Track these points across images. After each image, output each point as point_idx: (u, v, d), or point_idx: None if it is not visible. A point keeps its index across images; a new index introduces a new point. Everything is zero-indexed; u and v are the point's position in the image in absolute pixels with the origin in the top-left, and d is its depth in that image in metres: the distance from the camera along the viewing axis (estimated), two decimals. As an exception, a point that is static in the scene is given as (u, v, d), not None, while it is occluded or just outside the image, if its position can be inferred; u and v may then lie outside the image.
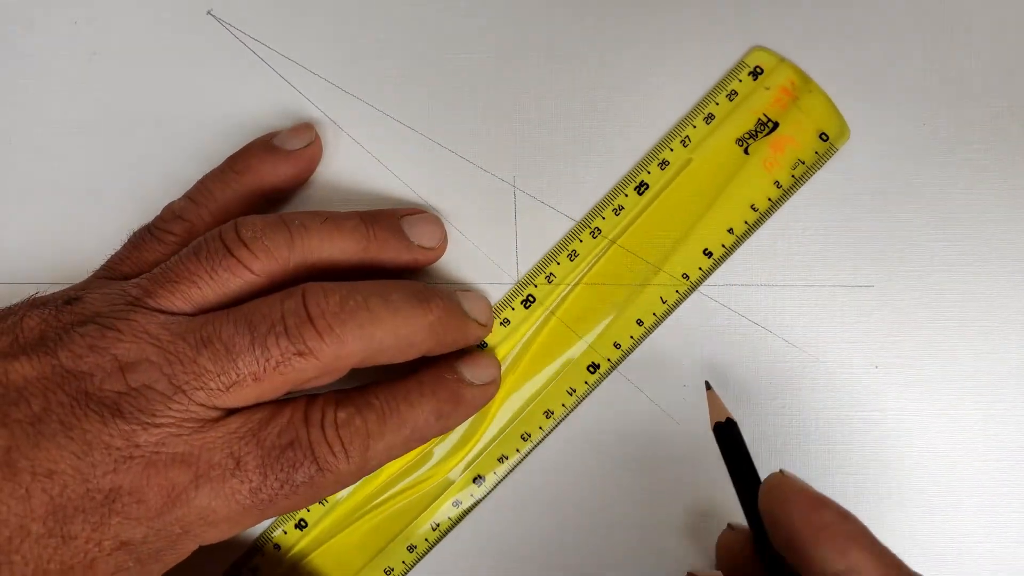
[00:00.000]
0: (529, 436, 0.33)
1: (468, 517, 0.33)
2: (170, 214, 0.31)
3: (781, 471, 0.26)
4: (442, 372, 0.31)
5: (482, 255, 0.34)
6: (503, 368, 0.33)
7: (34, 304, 0.27)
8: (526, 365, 0.33)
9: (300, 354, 0.27)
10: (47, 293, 0.29)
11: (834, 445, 0.33)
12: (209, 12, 0.34)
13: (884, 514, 0.33)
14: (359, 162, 0.34)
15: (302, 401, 0.28)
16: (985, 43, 0.34)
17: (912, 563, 0.32)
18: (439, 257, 0.33)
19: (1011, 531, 0.33)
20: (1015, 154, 0.33)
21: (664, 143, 0.34)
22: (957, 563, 0.33)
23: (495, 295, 0.34)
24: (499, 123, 0.34)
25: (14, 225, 0.34)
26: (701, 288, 0.34)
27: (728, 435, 0.29)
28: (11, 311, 0.27)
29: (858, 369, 0.33)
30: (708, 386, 0.31)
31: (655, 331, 0.33)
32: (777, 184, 0.33)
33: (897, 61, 0.34)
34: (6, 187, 0.34)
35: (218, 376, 0.26)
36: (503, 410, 0.33)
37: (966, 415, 0.33)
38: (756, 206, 0.33)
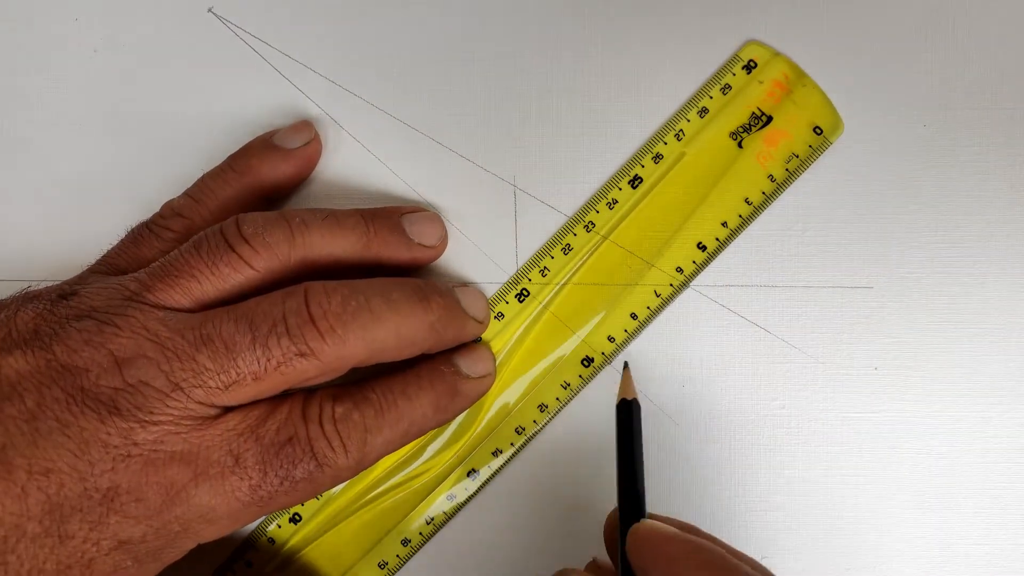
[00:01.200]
0: (523, 430, 0.33)
1: (462, 511, 0.33)
2: (169, 211, 0.31)
3: (644, 519, 0.26)
4: (439, 365, 0.31)
5: (482, 254, 0.34)
6: (497, 362, 0.33)
7: (28, 298, 0.27)
8: (520, 359, 0.33)
9: (302, 354, 0.26)
10: (40, 287, 0.28)
11: (833, 446, 0.33)
12: (210, 10, 0.34)
13: (882, 515, 0.33)
14: (360, 160, 0.34)
15: (299, 397, 0.28)
16: (988, 44, 0.34)
17: (910, 565, 0.32)
18: (439, 255, 0.33)
19: (1009, 533, 0.33)
20: (1016, 156, 0.33)
21: (658, 136, 0.34)
22: (955, 565, 0.33)
23: (495, 294, 0.34)
24: (499, 123, 0.34)
25: (14, 221, 0.34)
26: (701, 289, 0.34)
27: (626, 415, 0.29)
28: (4, 305, 0.27)
29: (857, 370, 0.33)
30: (626, 366, 0.32)
31: (652, 328, 0.34)
32: (771, 178, 0.33)
33: (898, 62, 0.34)
34: (6, 183, 0.34)
35: (217, 375, 0.26)
36: (497, 404, 0.33)
37: (964, 417, 0.33)
38: (750, 199, 0.33)
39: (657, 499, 0.33)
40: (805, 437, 0.33)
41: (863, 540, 0.33)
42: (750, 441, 0.33)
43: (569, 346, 0.33)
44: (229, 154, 0.33)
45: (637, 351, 0.34)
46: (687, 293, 0.34)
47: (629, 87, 0.34)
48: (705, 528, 0.30)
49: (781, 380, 0.33)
